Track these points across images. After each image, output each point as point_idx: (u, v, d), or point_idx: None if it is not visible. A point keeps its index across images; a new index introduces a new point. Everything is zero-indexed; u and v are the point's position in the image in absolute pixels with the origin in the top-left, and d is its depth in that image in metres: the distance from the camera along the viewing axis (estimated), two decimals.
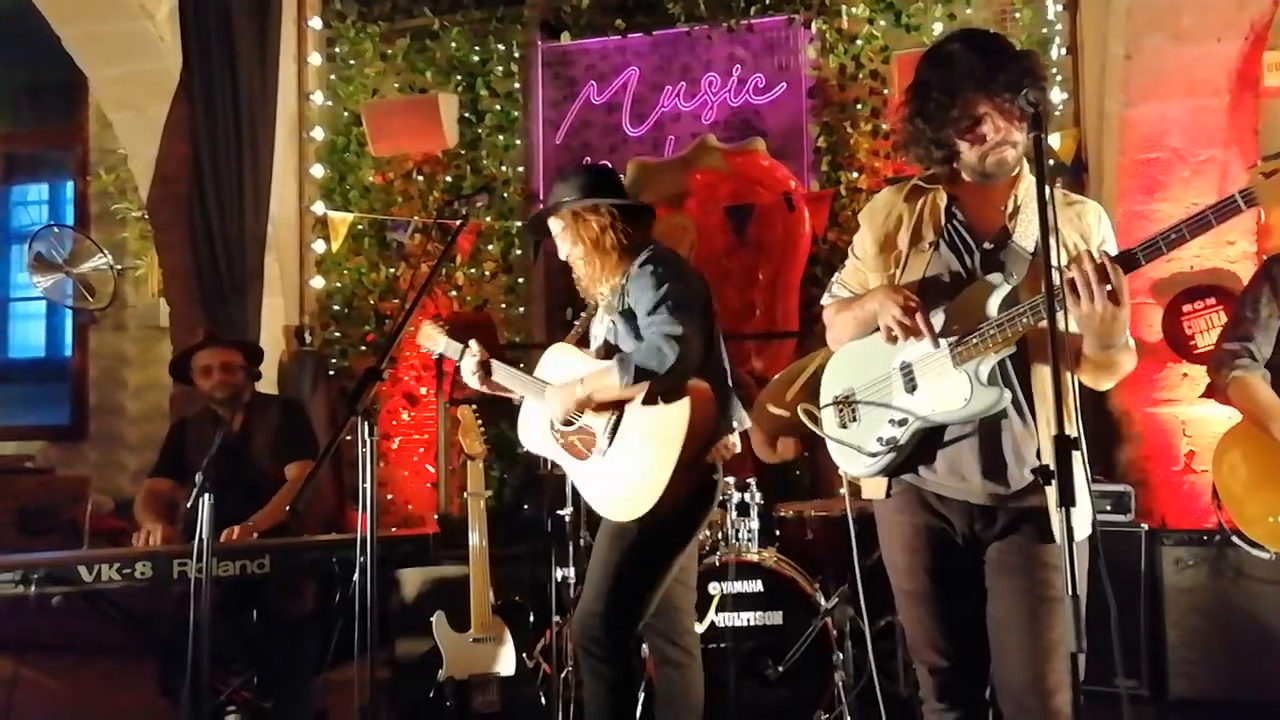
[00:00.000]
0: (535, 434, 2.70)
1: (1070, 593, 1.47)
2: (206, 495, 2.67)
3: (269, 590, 3.23)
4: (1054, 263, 1.59)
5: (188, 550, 2.78)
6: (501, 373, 2.69)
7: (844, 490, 2.18)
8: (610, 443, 2.47)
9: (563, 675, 3.16)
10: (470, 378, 2.70)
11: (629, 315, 2.50)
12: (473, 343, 2.73)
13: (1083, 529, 1.78)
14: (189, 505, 2.74)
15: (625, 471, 2.44)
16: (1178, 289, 4.18)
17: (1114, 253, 1.84)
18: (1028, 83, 1.75)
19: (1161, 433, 4.24)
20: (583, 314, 2.78)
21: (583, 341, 2.73)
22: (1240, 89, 4.15)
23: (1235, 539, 2.44)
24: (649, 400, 2.38)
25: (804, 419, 2.11)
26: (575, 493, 2.92)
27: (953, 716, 1.99)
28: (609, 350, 2.55)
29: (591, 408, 2.49)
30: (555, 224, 2.65)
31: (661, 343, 2.32)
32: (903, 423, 1.91)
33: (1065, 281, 1.68)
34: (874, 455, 1.96)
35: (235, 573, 2.97)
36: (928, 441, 1.93)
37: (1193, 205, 1.71)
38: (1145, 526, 3.67)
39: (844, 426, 2.04)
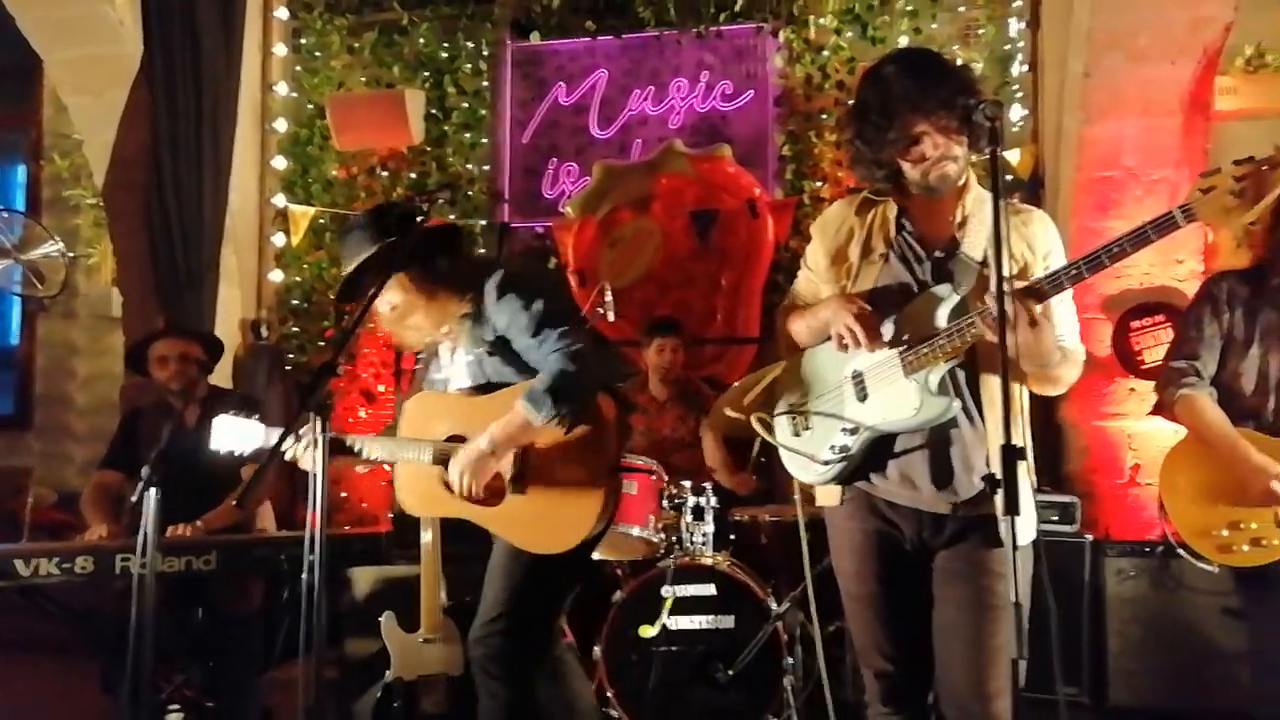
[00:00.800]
0: (422, 496, 2.48)
1: (1014, 600, 1.50)
2: (152, 490, 2.62)
3: (215, 587, 3.18)
4: (1004, 274, 1.62)
5: (131, 545, 2.73)
6: (374, 446, 2.47)
7: (796, 496, 2.20)
8: (522, 478, 2.36)
9: None
10: (307, 459, 2.35)
11: (501, 344, 2.39)
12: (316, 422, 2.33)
13: (1026, 536, 1.82)
14: (134, 500, 2.69)
15: (553, 501, 2.34)
16: (1127, 305, 4.28)
17: (1061, 261, 1.91)
18: (961, 100, 1.79)
19: (1108, 446, 4.33)
20: (419, 361, 2.63)
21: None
22: (1192, 111, 4.26)
23: (1181, 552, 2.49)
24: (571, 426, 2.28)
25: (757, 428, 2.12)
26: None
27: (898, 719, 2.01)
28: (485, 388, 2.43)
29: (492, 464, 2.33)
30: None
31: (565, 364, 2.25)
32: (854, 431, 1.94)
33: (983, 316, 1.74)
34: (827, 464, 1.99)
35: (180, 569, 2.92)
36: (879, 449, 1.95)
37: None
38: (1090, 537, 3.75)
39: (797, 435, 2.07)
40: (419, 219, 2.27)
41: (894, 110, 1.86)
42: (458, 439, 2.41)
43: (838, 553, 2.07)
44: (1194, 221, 1.71)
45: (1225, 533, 2.41)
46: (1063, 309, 1.93)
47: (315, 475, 2.09)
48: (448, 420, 2.44)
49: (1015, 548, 1.52)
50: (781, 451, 2.10)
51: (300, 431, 2.35)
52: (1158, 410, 2.62)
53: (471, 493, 2.33)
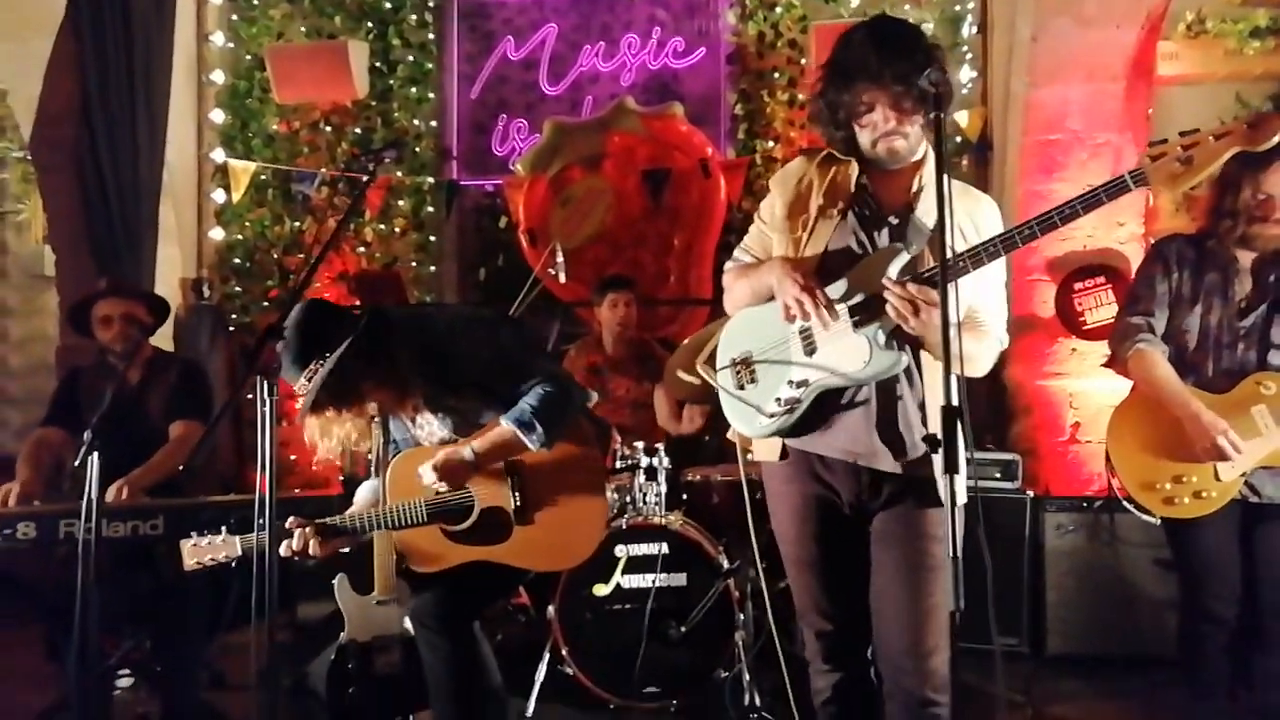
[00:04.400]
0: (427, 555, 2.45)
1: (951, 554, 1.54)
2: (95, 454, 2.56)
3: (162, 551, 3.12)
4: (948, 240, 1.65)
5: (74, 509, 2.66)
6: (368, 520, 2.42)
7: (743, 454, 2.21)
8: (523, 505, 2.41)
9: None
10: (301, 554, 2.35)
11: (478, 395, 2.39)
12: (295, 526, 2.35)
13: (961, 494, 1.85)
14: (76, 464, 2.62)
15: (563, 522, 2.41)
16: (1070, 268, 4.37)
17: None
18: (925, 74, 1.80)
19: (1050, 405, 4.45)
20: (372, 446, 2.59)
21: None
22: (1136, 76, 4.33)
23: (1127, 505, 2.58)
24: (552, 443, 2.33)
25: (703, 373, 2.13)
26: None
27: (836, 677, 2.07)
28: (468, 428, 2.42)
29: (471, 473, 2.36)
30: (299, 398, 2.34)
31: (559, 387, 2.33)
32: (802, 384, 1.95)
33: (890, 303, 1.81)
34: (772, 416, 1.99)
35: (126, 533, 2.86)
36: (823, 406, 1.96)
37: (1088, 186, 1.80)
38: (1030, 494, 3.86)
39: (741, 388, 2.06)
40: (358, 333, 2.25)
41: (853, 75, 1.88)
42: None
43: (777, 516, 2.11)
44: (1143, 186, 1.76)
45: (1169, 486, 2.51)
46: (989, 289, 1.97)
47: (262, 439, 2.05)
48: (414, 478, 2.40)
49: (954, 505, 1.55)
50: (724, 402, 2.10)
51: (284, 544, 2.30)
52: (1110, 364, 2.69)
53: (435, 486, 2.34)
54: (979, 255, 1.83)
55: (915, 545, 1.93)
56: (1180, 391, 2.49)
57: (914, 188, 1.98)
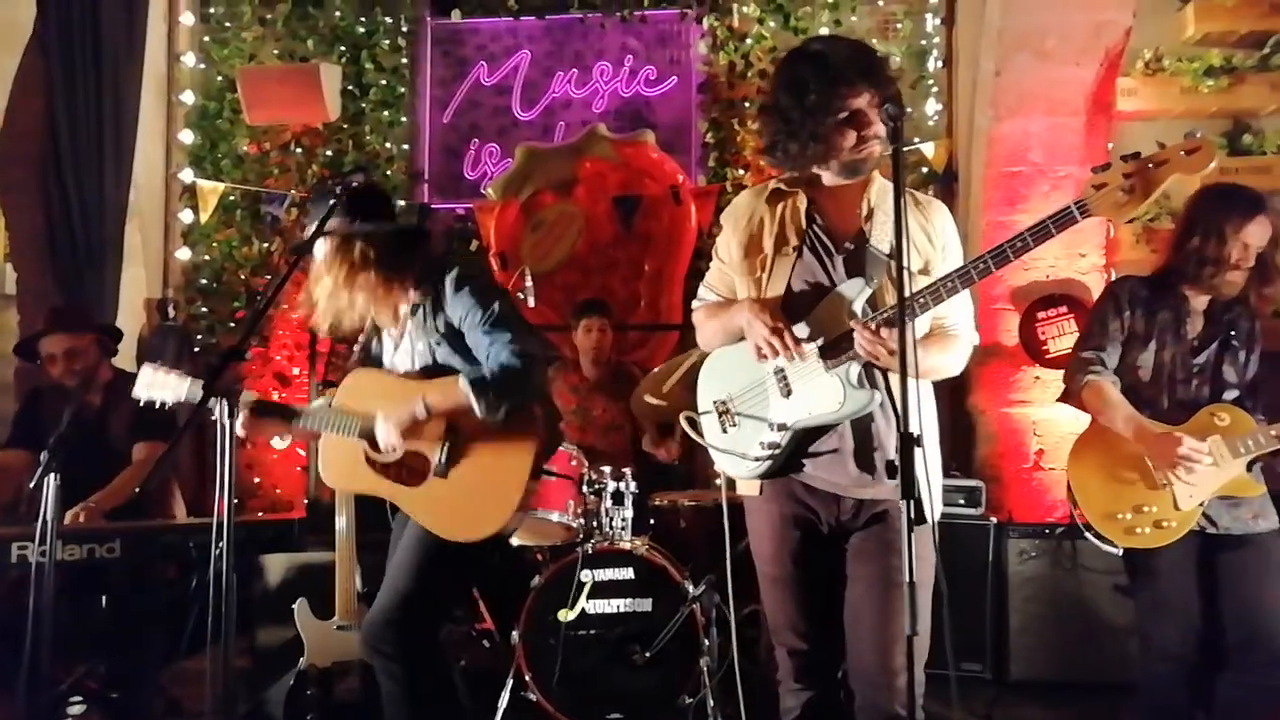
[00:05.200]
0: (343, 470, 2.49)
1: (908, 579, 1.56)
2: (52, 475, 2.52)
3: (119, 575, 3.06)
4: (906, 268, 1.68)
5: (29, 533, 2.62)
6: (305, 413, 2.48)
7: (720, 481, 2.23)
8: (446, 462, 2.39)
9: None
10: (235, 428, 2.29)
11: (452, 334, 2.42)
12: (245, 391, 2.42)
13: (932, 515, 1.87)
14: (32, 486, 2.58)
15: (473, 489, 2.37)
16: (1034, 297, 4.45)
17: (957, 253, 2.00)
18: (883, 106, 1.83)
19: (1014, 432, 4.50)
20: (359, 342, 2.62)
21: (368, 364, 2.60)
22: (1095, 111, 4.45)
23: (1089, 535, 2.61)
24: (503, 417, 2.32)
25: (686, 428, 2.15)
26: None
27: (807, 696, 2.07)
28: (431, 372, 2.44)
29: (422, 426, 2.37)
30: (321, 248, 2.42)
31: (513, 361, 2.30)
32: (782, 427, 1.98)
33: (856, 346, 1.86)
34: (757, 460, 2.02)
35: (82, 557, 2.81)
36: (805, 441, 2.00)
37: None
38: (994, 520, 3.90)
39: (725, 432, 2.10)
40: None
41: (835, 79, 1.89)
42: None
43: (755, 535, 2.12)
44: (1089, 216, 1.79)
45: (1129, 516, 2.54)
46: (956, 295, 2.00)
47: (223, 460, 2.04)
48: (383, 400, 2.42)
49: (911, 529, 1.58)
50: (712, 450, 2.13)
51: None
52: (1065, 397, 2.74)
53: (391, 450, 2.36)
54: (938, 291, 1.86)
55: (890, 563, 1.93)
56: (1133, 415, 2.53)
57: (863, 210, 2.01)
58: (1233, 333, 2.57)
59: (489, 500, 2.37)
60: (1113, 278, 3.52)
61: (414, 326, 2.46)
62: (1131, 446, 2.53)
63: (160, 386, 2.51)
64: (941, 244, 2.00)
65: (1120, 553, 2.58)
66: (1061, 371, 2.80)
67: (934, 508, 1.94)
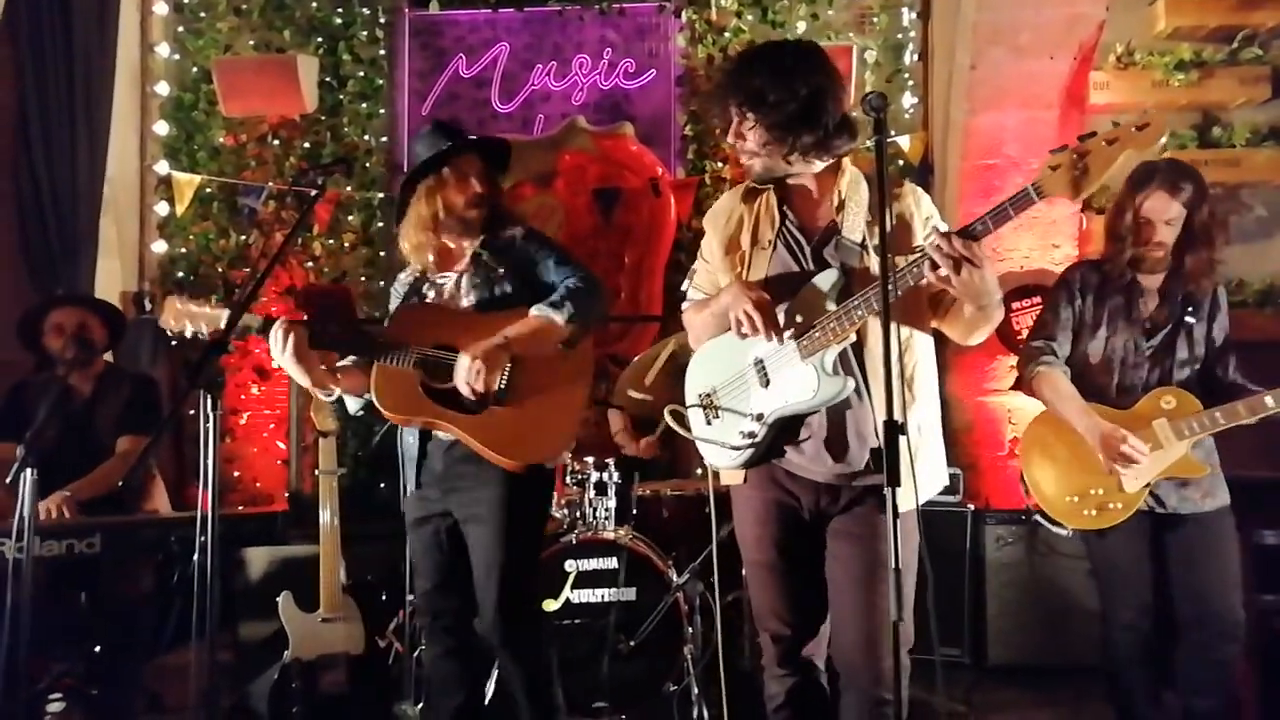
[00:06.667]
0: (399, 399, 2.45)
1: (893, 566, 1.59)
2: (29, 469, 2.50)
3: (100, 570, 3.04)
4: (888, 258, 1.70)
5: (6, 528, 2.59)
6: (355, 344, 2.49)
7: (702, 471, 2.26)
8: (507, 389, 2.44)
9: (415, 655, 3.13)
10: (283, 356, 2.36)
11: (519, 269, 2.54)
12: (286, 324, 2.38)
13: (906, 503, 1.89)
14: (9, 480, 2.56)
15: (534, 415, 2.45)
16: (1008, 288, 4.50)
17: (941, 223, 2.01)
18: (865, 98, 1.85)
19: (990, 420, 4.57)
20: (413, 278, 2.66)
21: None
22: (1069, 104, 4.50)
23: (1039, 518, 2.68)
24: (569, 342, 2.46)
25: (672, 423, 2.18)
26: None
27: (791, 682, 2.10)
28: (490, 305, 2.52)
29: (500, 355, 2.40)
30: (453, 170, 2.53)
31: (583, 283, 2.48)
32: (759, 416, 2.02)
33: (927, 259, 1.80)
34: (738, 449, 2.06)
35: (61, 552, 2.79)
36: (786, 429, 2.03)
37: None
38: (971, 507, 3.96)
39: (709, 424, 2.14)
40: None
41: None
42: (446, 348, 2.44)
43: (740, 521, 2.15)
44: (1044, 197, 1.81)
45: (1077, 499, 2.61)
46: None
47: (204, 455, 2.03)
48: (438, 330, 2.48)
49: (896, 516, 1.61)
50: (697, 442, 2.16)
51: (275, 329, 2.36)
52: (1018, 385, 2.79)
53: (481, 386, 2.37)
54: (904, 277, 1.86)
55: (873, 545, 1.96)
56: (1081, 407, 2.59)
57: (834, 201, 2.04)
58: (1190, 308, 2.61)
59: (549, 425, 2.46)
60: None
61: (476, 269, 2.56)
62: (1078, 432, 2.58)
63: (192, 318, 2.41)
64: (925, 215, 2.02)
65: (1069, 534, 2.65)
66: None
67: (932, 485, 2.02)
